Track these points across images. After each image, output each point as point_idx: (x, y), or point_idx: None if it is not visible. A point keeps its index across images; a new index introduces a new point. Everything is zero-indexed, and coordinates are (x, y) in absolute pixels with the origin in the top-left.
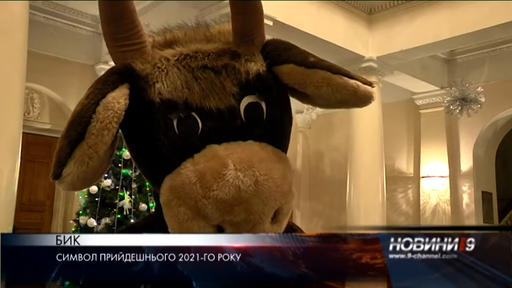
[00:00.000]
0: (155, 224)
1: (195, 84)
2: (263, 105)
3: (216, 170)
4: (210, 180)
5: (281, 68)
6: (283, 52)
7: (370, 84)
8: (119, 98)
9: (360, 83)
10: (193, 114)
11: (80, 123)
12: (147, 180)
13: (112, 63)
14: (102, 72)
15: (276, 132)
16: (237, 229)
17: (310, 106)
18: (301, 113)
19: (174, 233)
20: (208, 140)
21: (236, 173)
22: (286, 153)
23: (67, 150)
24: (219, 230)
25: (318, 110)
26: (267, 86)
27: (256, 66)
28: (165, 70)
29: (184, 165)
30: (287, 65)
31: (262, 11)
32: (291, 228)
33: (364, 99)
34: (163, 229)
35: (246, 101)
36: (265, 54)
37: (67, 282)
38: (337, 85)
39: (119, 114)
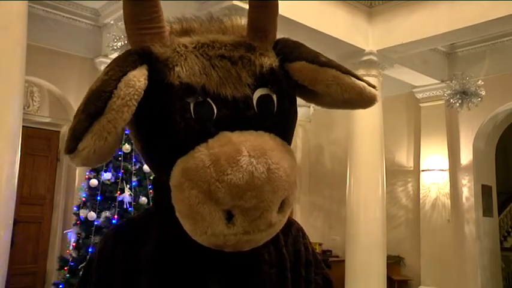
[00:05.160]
0: (156, 216)
1: (213, 71)
2: (274, 98)
3: (231, 155)
4: (225, 165)
5: (293, 65)
6: (294, 50)
7: (374, 87)
8: (139, 77)
9: (366, 85)
10: (209, 100)
11: (101, 97)
12: (152, 166)
13: (112, 57)
14: (102, 66)
15: (284, 125)
16: (246, 215)
17: None
18: (301, 107)
19: (181, 216)
20: (222, 126)
21: (250, 159)
22: (290, 145)
23: (85, 124)
24: (229, 215)
25: None
26: (278, 80)
27: (270, 60)
28: (184, 55)
29: (198, 149)
30: (299, 62)
31: (278, 8)
32: (288, 222)
33: (368, 101)
34: (165, 222)
35: (258, 92)
36: (277, 51)
37: (68, 275)
38: (346, 84)
39: (139, 93)
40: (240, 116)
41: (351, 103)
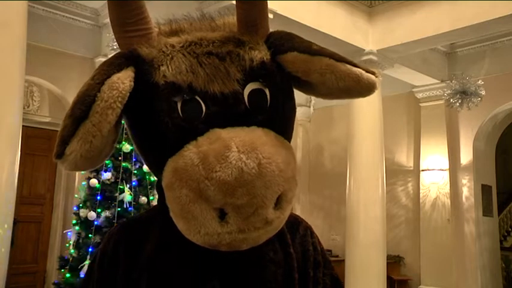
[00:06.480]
0: (158, 216)
1: (200, 69)
2: (267, 92)
3: (219, 152)
4: (213, 162)
5: (285, 57)
6: (286, 41)
7: (373, 73)
8: (124, 79)
9: (363, 71)
10: (197, 98)
11: (84, 101)
12: (149, 167)
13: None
14: None
15: (279, 119)
16: (239, 212)
17: (310, 99)
18: (301, 106)
19: (174, 216)
20: (212, 124)
21: (239, 155)
22: (290, 142)
23: (71, 129)
24: (221, 213)
25: (316, 103)
26: (270, 74)
27: (260, 54)
28: (170, 55)
29: (187, 147)
30: (291, 53)
31: (266, 1)
32: (296, 221)
33: (367, 88)
34: (166, 221)
35: (250, 87)
36: (269, 44)
37: (68, 274)
38: (341, 72)
39: (123, 95)
40: (230, 112)
41: (348, 92)
